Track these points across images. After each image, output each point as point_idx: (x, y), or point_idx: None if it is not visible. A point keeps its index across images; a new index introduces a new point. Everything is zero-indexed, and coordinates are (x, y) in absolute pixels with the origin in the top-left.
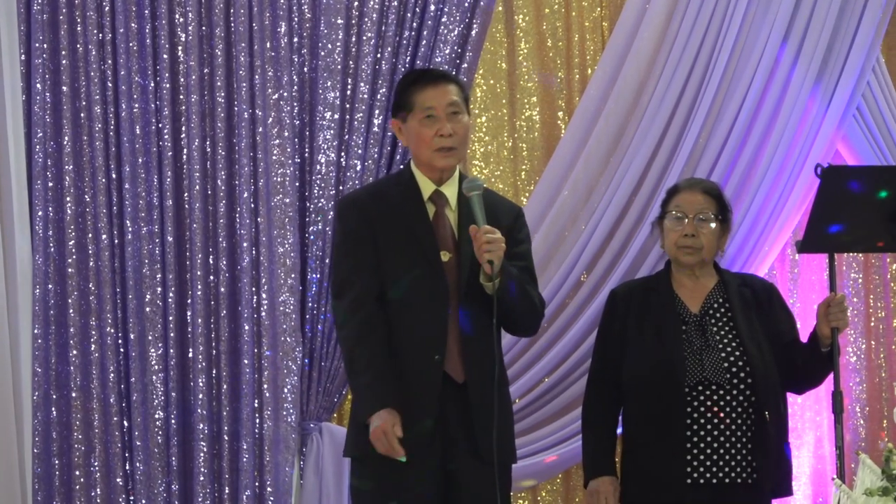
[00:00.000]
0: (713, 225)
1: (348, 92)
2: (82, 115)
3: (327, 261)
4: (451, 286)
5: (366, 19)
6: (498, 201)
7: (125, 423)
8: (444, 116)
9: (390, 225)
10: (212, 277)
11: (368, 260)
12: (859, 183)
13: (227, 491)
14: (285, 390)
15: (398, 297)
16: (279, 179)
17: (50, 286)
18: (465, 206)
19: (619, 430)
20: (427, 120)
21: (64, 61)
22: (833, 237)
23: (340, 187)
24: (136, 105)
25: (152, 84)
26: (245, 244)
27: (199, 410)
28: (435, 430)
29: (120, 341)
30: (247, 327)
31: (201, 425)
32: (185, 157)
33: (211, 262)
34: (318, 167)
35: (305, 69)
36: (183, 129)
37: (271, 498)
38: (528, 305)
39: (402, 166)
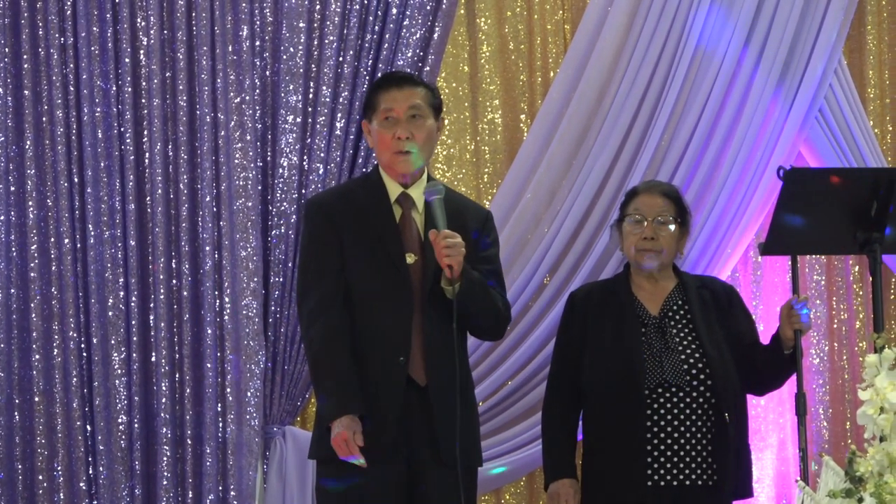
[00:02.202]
0: (672, 227)
1: (310, 95)
2: (44, 119)
3: (290, 264)
4: (415, 289)
5: (328, 23)
6: (466, 204)
7: (88, 428)
8: (403, 119)
9: (356, 227)
10: (174, 281)
11: (333, 263)
12: (821, 185)
13: (190, 495)
14: (248, 394)
15: (363, 299)
16: (241, 183)
17: (12, 290)
18: (430, 211)
19: (580, 433)
20: (386, 122)
21: (26, 65)
22: (796, 239)
23: (303, 191)
24: (98, 109)
25: (114, 88)
26: (208, 248)
27: (161, 414)
28: (398, 433)
29: (83, 346)
30: (209, 331)
31: (164, 429)
32: (147, 160)
33: (173, 265)
34: (281, 171)
35: (267, 73)
36: (145, 132)
37: (235, 502)
38: (490, 310)
39: (364, 169)
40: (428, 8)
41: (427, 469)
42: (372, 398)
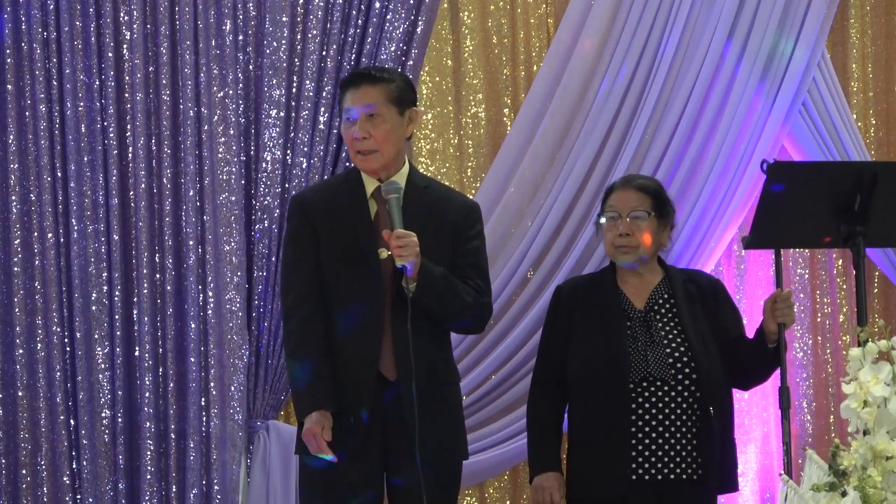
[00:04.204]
0: (648, 222)
1: (294, 90)
2: (27, 113)
3: (273, 259)
4: (387, 284)
5: (311, 17)
6: (450, 197)
7: (72, 422)
8: (360, 118)
9: (332, 223)
10: (158, 276)
11: (309, 259)
12: (805, 179)
13: (174, 489)
14: (232, 388)
15: (337, 294)
16: (225, 177)
17: None
18: (409, 204)
19: (565, 426)
20: (346, 122)
21: (9, 60)
22: (779, 233)
23: (286, 185)
24: (81, 103)
25: (97, 82)
26: (191, 242)
27: (145, 409)
28: (371, 428)
29: (66, 340)
30: (193, 325)
31: (148, 424)
32: (130, 155)
33: (157, 260)
34: (264, 165)
35: (250, 67)
36: (128, 127)
37: (218, 496)
38: (457, 306)
39: (348, 164)
40: (411, 2)
41: (402, 463)
42: (344, 393)
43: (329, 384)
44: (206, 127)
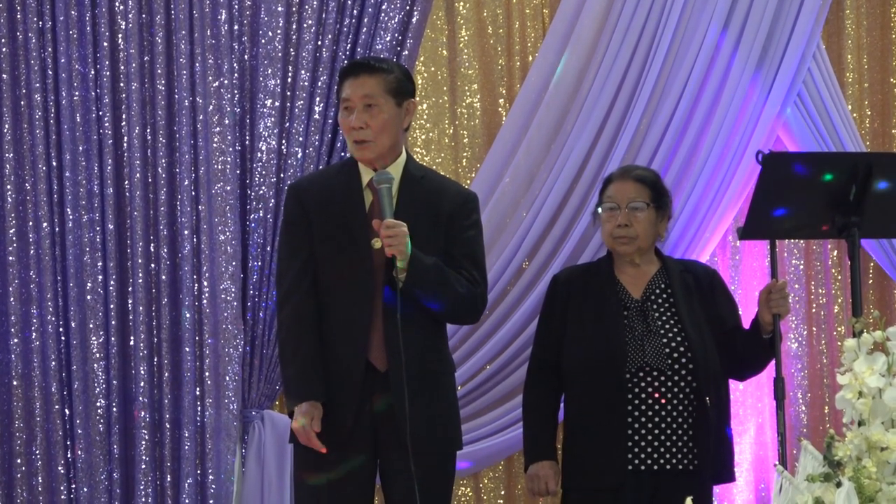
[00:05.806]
0: (646, 212)
1: (289, 80)
2: (22, 103)
3: (268, 248)
4: (379, 274)
5: (306, 7)
6: (446, 187)
7: (66, 412)
8: (358, 108)
9: (326, 212)
10: (153, 265)
11: (302, 249)
12: (800, 169)
13: (168, 479)
14: (227, 378)
15: (328, 283)
16: (220, 167)
17: None
18: (404, 194)
19: (561, 416)
20: (344, 111)
21: (4, 49)
22: (774, 224)
23: (281, 175)
24: (77, 93)
25: (92, 72)
26: (186, 232)
27: (140, 398)
28: (361, 418)
29: (61, 330)
30: (188, 315)
31: (143, 413)
32: (125, 145)
33: (152, 249)
34: (259, 155)
35: (246, 57)
36: (123, 117)
37: (213, 486)
38: (448, 296)
39: (343, 153)
40: None
41: (394, 454)
42: (334, 383)
43: (319, 375)
44: (201, 117)
